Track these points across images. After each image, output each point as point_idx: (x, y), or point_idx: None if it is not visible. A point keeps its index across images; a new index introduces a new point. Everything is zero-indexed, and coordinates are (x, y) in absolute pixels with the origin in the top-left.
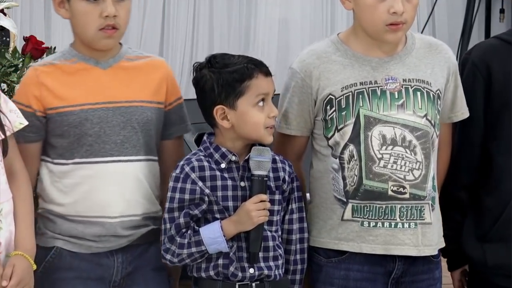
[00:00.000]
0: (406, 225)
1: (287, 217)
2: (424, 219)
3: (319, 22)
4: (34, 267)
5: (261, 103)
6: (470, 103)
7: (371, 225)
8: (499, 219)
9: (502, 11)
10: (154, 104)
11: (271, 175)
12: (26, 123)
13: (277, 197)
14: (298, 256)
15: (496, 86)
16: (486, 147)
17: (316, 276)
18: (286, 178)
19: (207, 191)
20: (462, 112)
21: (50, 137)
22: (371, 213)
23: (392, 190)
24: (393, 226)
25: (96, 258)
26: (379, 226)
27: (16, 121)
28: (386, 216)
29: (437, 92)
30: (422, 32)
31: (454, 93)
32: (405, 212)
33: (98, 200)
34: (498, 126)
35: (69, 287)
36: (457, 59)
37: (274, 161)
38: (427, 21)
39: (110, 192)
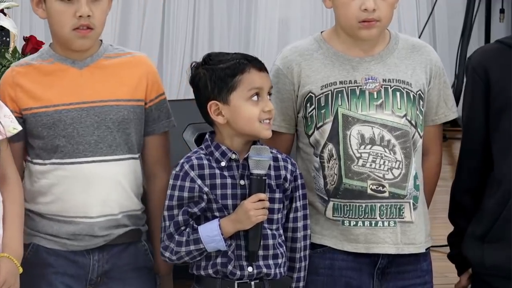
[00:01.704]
0: (386, 224)
1: (291, 215)
2: (403, 218)
3: (319, 22)
4: (20, 270)
5: (254, 98)
6: (471, 107)
7: (352, 224)
8: (497, 220)
9: (502, 11)
10: (132, 102)
11: (272, 173)
12: (20, 128)
13: (277, 195)
14: (302, 253)
15: (494, 90)
16: (487, 151)
17: None
18: (288, 176)
19: (205, 189)
20: (446, 114)
21: (28, 137)
22: (351, 212)
23: (371, 189)
24: (373, 225)
25: (72, 256)
26: (360, 225)
27: (10, 126)
28: (367, 215)
29: (418, 93)
30: (422, 32)
31: (438, 96)
32: (384, 211)
33: (74, 201)
34: (498, 129)
35: (47, 282)
36: (456, 59)
37: (276, 159)
38: (427, 21)
39: (86, 193)
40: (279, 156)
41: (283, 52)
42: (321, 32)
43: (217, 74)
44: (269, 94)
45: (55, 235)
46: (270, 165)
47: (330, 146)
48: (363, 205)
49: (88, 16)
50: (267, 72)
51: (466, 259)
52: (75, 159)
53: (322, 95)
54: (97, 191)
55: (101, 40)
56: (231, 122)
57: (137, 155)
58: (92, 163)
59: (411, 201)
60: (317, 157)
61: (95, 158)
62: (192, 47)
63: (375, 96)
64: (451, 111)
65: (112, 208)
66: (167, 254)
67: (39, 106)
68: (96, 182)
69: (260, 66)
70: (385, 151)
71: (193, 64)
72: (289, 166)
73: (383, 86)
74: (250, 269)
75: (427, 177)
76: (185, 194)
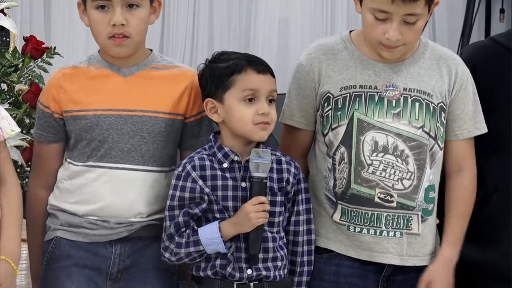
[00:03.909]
0: (391, 234)
1: (293, 218)
2: (411, 230)
3: (319, 21)
4: (18, 273)
5: (248, 99)
6: None
7: (357, 230)
8: (477, 218)
9: (502, 11)
10: (171, 116)
11: (274, 176)
12: (18, 130)
13: (279, 198)
14: (305, 258)
15: (482, 88)
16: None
17: None
18: (291, 179)
19: (207, 190)
20: (469, 130)
21: (69, 139)
22: (357, 218)
23: (379, 197)
24: (378, 233)
25: (94, 248)
26: (364, 233)
27: (8, 128)
28: (372, 223)
29: (439, 105)
30: (422, 32)
31: (461, 110)
32: (391, 221)
33: (98, 204)
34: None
35: (66, 274)
36: None
37: (279, 162)
38: (427, 21)
39: (110, 198)
40: (283, 158)
41: (308, 48)
42: (350, 32)
43: (216, 72)
44: (272, 99)
45: (77, 225)
46: (272, 167)
47: (343, 149)
48: (369, 212)
49: (123, 24)
50: (271, 75)
51: None
52: (106, 163)
53: (340, 96)
54: (122, 198)
55: (151, 50)
56: (226, 122)
57: (171, 168)
58: (122, 170)
59: (420, 213)
60: (329, 158)
61: (125, 165)
62: (192, 47)
63: (394, 105)
64: (475, 127)
65: (135, 216)
66: (166, 254)
67: (79, 109)
68: (122, 189)
69: (260, 68)
70: (397, 161)
71: (206, 60)
72: (292, 169)
73: (403, 95)
74: (249, 271)
75: (463, 195)
76: (187, 195)
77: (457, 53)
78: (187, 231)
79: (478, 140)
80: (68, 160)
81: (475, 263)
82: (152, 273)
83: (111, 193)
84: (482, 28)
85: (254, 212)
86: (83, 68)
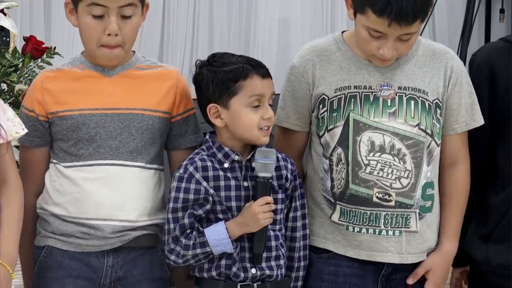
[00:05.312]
0: (390, 233)
1: (291, 214)
2: (409, 227)
3: (319, 22)
4: (14, 277)
5: (255, 105)
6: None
7: (356, 230)
8: (503, 219)
9: (502, 11)
10: (158, 113)
11: (274, 174)
12: (22, 132)
13: (280, 196)
14: (301, 253)
15: (500, 88)
16: (492, 149)
17: (307, 271)
18: (289, 176)
19: (211, 191)
20: (466, 123)
21: (54, 141)
22: (356, 218)
23: (377, 197)
24: (377, 233)
25: (86, 258)
26: (364, 232)
27: (13, 130)
28: (371, 222)
29: (434, 102)
30: (422, 32)
31: (458, 104)
32: (389, 220)
33: (89, 202)
34: (503, 129)
35: (59, 285)
36: None
37: (276, 159)
38: (427, 21)
39: (101, 194)
40: (279, 156)
41: (301, 50)
42: (342, 32)
43: (220, 77)
44: (271, 104)
45: (69, 235)
46: None
47: (339, 150)
48: (368, 212)
49: (116, 34)
50: (271, 78)
51: (465, 255)
52: (95, 161)
53: (335, 98)
54: (113, 194)
55: (133, 51)
56: (229, 126)
57: (159, 166)
58: (112, 166)
59: (418, 210)
60: (326, 159)
61: (114, 161)
62: (192, 47)
63: (389, 104)
64: (472, 119)
65: (127, 214)
66: (172, 257)
67: (64, 109)
68: (113, 185)
69: (263, 72)
70: (395, 160)
71: (198, 62)
72: (289, 166)
73: (397, 94)
74: (253, 271)
75: (460, 187)
76: (191, 197)
77: (457, 53)
78: (193, 233)
79: (501, 142)
80: (54, 161)
81: (502, 265)
82: (144, 284)
83: (102, 190)
84: (482, 28)
85: (262, 212)
86: (66, 70)
